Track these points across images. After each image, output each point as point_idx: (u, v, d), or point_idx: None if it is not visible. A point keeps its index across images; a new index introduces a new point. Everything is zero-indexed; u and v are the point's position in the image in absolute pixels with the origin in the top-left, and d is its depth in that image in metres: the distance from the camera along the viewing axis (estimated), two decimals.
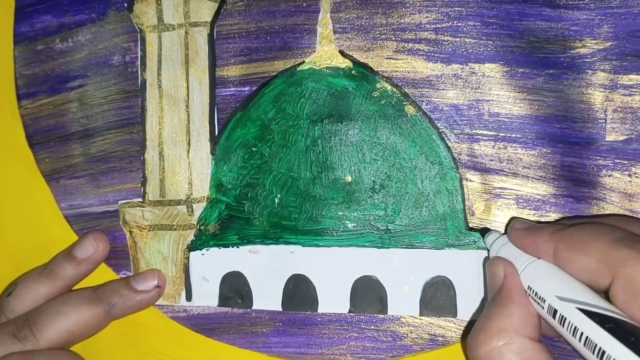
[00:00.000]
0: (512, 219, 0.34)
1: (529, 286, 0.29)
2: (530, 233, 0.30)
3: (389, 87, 0.37)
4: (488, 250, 0.34)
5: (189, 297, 0.39)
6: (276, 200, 0.38)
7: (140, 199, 0.40)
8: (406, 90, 0.37)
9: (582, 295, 0.27)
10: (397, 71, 0.37)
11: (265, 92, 0.38)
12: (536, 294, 0.29)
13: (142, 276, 0.39)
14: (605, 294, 0.27)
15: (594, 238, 0.27)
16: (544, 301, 0.28)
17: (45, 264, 0.39)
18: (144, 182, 0.40)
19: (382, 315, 0.37)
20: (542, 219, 0.35)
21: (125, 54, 0.40)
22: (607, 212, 0.35)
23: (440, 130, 0.36)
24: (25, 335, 0.36)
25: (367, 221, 0.37)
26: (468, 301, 0.36)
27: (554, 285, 0.28)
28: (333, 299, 0.37)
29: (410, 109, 0.37)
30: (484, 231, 0.35)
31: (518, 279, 0.30)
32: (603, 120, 0.35)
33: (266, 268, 0.38)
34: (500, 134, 0.36)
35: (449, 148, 0.36)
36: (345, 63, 0.37)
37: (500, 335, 0.28)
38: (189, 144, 0.39)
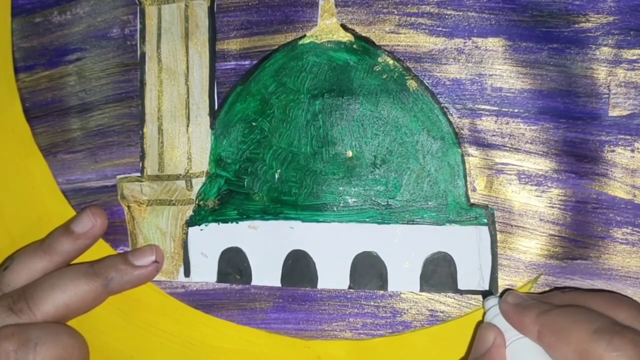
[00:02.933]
0: (506, 290, 0.34)
1: None
2: (519, 311, 0.31)
3: (390, 62, 0.37)
4: (484, 312, 0.34)
5: (187, 273, 0.39)
6: (276, 175, 0.38)
7: (139, 174, 0.40)
8: (408, 64, 0.36)
9: None
10: (399, 45, 0.37)
11: (266, 66, 0.38)
12: None
13: (140, 251, 0.39)
14: None
15: (574, 326, 0.28)
16: None
17: (43, 238, 0.39)
18: (142, 157, 0.40)
19: (382, 292, 0.37)
20: (544, 195, 0.35)
21: (125, 26, 0.40)
22: (609, 187, 0.34)
23: (442, 105, 0.36)
24: (21, 309, 0.35)
25: (367, 196, 0.37)
26: (469, 277, 0.36)
27: None
28: (333, 275, 0.37)
29: (412, 84, 0.36)
30: (486, 294, 0.35)
31: (504, 352, 0.31)
32: (606, 95, 0.34)
33: (266, 244, 0.38)
34: (503, 109, 0.36)
35: (451, 123, 0.36)
36: (347, 37, 0.37)
37: None
38: (188, 118, 0.39)
